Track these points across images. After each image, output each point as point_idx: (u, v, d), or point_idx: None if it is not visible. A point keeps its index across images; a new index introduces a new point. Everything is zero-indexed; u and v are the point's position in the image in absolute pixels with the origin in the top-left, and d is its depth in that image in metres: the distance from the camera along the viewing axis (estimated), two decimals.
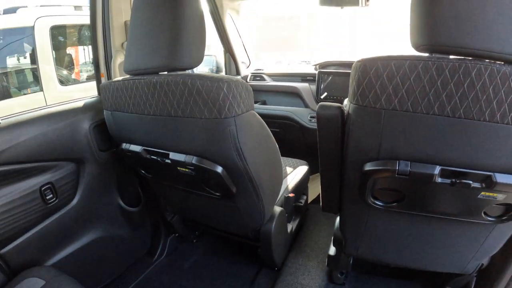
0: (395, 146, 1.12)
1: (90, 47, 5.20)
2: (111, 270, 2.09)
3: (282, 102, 3.02)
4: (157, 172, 1.73)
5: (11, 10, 4.42)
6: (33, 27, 4.31)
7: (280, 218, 1.85)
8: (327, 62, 2.88)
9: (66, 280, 1.44)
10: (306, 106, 2.85)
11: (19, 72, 4.51)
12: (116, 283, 2.09)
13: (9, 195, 1.52)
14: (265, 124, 1.50)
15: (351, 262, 1.87)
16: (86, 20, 4.71)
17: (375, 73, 1.03)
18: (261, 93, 3.18)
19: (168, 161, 1.50)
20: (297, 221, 2.31)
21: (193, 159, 1.42)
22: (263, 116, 2.87)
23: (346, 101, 1.25)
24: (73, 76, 5.00)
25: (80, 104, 1.82)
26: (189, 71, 1.43)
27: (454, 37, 0.98)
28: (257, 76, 3.20)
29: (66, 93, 4.54)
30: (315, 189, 2.75)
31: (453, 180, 1.10)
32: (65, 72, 4.82)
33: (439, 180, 1.11)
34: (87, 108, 1.81)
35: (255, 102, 3.14)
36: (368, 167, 1.18)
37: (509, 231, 1.35)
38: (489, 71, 0.95)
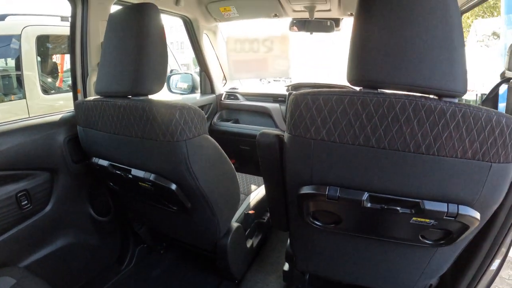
0: (325, 172, 1.20)
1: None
2: (81, 275, 2.15)
3: (254, 121, 3.10)
4: (123, 185, 1.81)
5: (0, 17, 4.46)
6: (20, 35, 4.36)
7: (236, 233, 1.94)
8: (299, 83, 2.98)
9: (36, 281, 1.51)
10: (276, 126, 2.94)
11: (7, 78, 4.57)
12: (84, 287, 2.15)
13: None
14: (219, 147, 1.60)
15: (307, 277, 1.93)
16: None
17: (305, 106, 1.12)
18: (234, 112, 3.28)
19: (130, 176, 1.60)
20: (259, 237, 2.38)
21: (151, 176, 1.52)
22: (235, 134, 3.04)
23: None
24: (57, 84, 5.05)
25: (56, 118, 1.92)
26: (178, 94, 1.54)
27: (382, 72, 1.04)
28: (231, 95, 3.29)
29: (49, 101, 4.61)
30: None
31: (383, 205, 1.15)
32: (49, 80, 4.88)
33: (368, 205, 1.16)
34: (62, 122, 1.91)
35: (228, 120, 3.24)
36: (303, 190, 1.25)
37: (454, 253, 1.37)
38: (413, 105, 1.01)
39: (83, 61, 2.04)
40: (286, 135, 1.24)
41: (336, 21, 2.76)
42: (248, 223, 2.18)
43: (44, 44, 4.73)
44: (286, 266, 1.93)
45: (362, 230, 1.33)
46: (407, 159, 1.07)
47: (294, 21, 2.80)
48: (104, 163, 1.70)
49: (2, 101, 4.46)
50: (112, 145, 1.62)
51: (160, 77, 1.54)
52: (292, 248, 1.71)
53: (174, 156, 1.42)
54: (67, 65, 5.19)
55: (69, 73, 5.20)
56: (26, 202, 1.77)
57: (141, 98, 1.50)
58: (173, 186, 1.53)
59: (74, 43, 2.01)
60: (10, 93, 4.52)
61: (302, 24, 2.77)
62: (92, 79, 2.02)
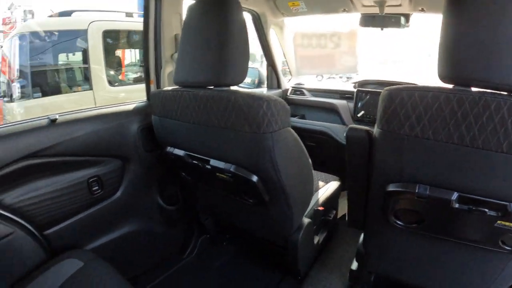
0: (415, 170, 1.17)
1: (135, 50, 5.34)
2: (144, 261, 2.18)
3: (320, 118, 3.05)
4: (197, 175, 1.82)
5: (67, 13, 4.62)
6: (86, 30, 4.48)
7: (307, 229, 1.90)
8: (366, 80, 2.90)
9: (102, 264, 1.54)
10: (343, 123, 2.87)
11: (72, 70, 4.71)
12: (146, 275, 2.17)
13: (60, 183, 1.67)
14: (300, 140, 1.57)
15: (372, 279, 1.90)
16: (136, 27, 4.93)
17: (400, 102, 1.09)
18: (300, 107, 3.23)
19: (209, 167, 1.60)
20: (324, 234, 2.33)
21: (232, 167, 1.51)
22: (301, 130, 3.00)
23: None
24: (119, 77, 5.16)
25: (130, 107, 1.96)
26: (245, 88, 1.53)
27: (476, 70, 1.02)
28: (297, 91, 3.26)
29: (113, 93, 4.71)
30: (345, 205, 2.74)
31: (470, 206, 1.13)
32: (112, 73, 4.97)
33: (456, 205, 1.14)
34: (136, 111, 1.95)
35: (294, 116, 3.20)
36: (391, 188, 1.23)
37: None
38: (508, 105, 0.98)
39: (157, 53, 2.06)
40: (376, 130, 1.21)
41: (407, 17, 2.65)
42: (316, 219, 2.13)
43: (109, 39, 4.84)
44: (354, 265, 1.91)
45: (443, 231, 1.30)
46: (498, 159, 1.04)
47: (364, 16, 2.71)
48: (180, 152, 1.71)
49: (70, 91, 4.60)
50: (190, 135, 1.63)
51: (243, 68, 1.52)
52: (365, 247, 1.68)
53: (258, 148, 1.40)
54: (128, 59, 5.37)
55: (131, 67, 5.39)
56: (97, 187, 1.81)
57: (224, 88, 1.48)
58: (254, 178, 1.50)
59: (147, 35, 2.03)
60: (77, 84, 4.66)
61: (372, 20, 2.68)
62: (166, 70, 2.05)
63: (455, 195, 1.13)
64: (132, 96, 4.50)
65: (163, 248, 2.29)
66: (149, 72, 2.08)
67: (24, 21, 8.27)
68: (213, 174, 1.62)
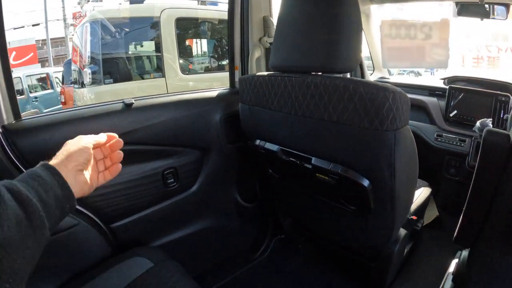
0: None
1: (204, 40, 5.35)
2: (213, 258, 2.08)
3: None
4: (288, 174, 1.67)
5: (139, 1, 4.73)
6: (159, 18, 4.48)
7: (403, 242, 1.74)
8: (456, 76, 2.67)
9: (173, 264, 1.45)
10: (433, 122, 2.60)
11: (143, 57, 4.77)
12: (215, 272, 2.07)
13: (132, 173, 1.57)
14: (414, 140, 1.38)
15: None
16: (209, 15, 4.95)
17: None
18: None
19: (309, 166, 1.44)
20: (410, 245, 2.15)
21: (340, 169, 1.34)
22: None
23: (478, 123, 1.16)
24: (193, 65, 5.20)
25: (213, 94, 1.85)
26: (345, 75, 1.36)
27: None
28: None
29: (185, 81, 4.69)
30: (430, 213, 2.56)
31: None
32: (187, 61, 5.01)
33: None
34: (219, 99, 1.84)
35: None
36: None
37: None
38: None
39: (243, 37, 1.96)
40: None
41: (507, 7, 2.38)
42: (409, 230, 1.93)
43: (182, 26, 4.85)
44: (448, 285, 1.67)
45: None
46: None
47: (463, 5, 2.47)
48: (273, 147, 1.56)
49: (143, 78, 4.65)
50: (287, 128, 1.47)
51: (356, 53, 1.33)
52: (469, 270, 1.46)
53: (377, 148, 1.22)
54: (195, 49, 5.40)
55: (199, 57, 5.39)
56: (172, 180, 1.71)
57: (336, 75, 1.30)
58: (366, 182, 1.31)
59: (232, 19, 1.93)
60: (149, 71, 4.73)
61: (472, 8, 2.44)
62: (255, 55, 1.94)
63: None
64: (201, 86, 4.52)
65: (235, 245, 2.19)
66: (234, 57, 1.97)
67: None
68: (312, 174, 1.46)
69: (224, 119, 1.80)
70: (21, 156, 1.30)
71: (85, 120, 1.45)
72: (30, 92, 9.18)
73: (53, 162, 0.79)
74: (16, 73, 9.07)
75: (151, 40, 4.67)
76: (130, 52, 4.63)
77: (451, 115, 2.48)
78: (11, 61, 12.26)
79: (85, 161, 0.83)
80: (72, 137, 0.88)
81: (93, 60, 4.38)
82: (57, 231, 1.35)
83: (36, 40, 13.61)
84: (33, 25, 14.34)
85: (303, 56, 1.34)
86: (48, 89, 9.80)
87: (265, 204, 2.17)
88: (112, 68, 4.45)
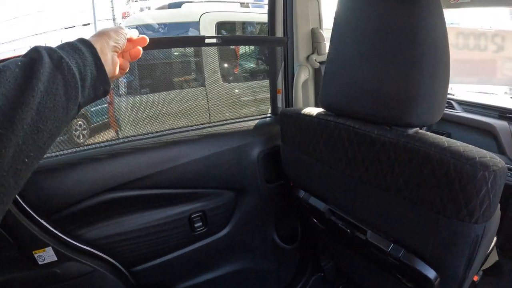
0: None
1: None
2: None
3: (471, 140, 2.43)
4: (335, 233, 1.40)
5: (176, 5, 4.61)
6: (198, 22, 4.36)
7: None
8: None
9: None
10: (502, 152, 2.25)
11: (182, 65, 4.64)
12: None
13: (154, 219, 1.44)
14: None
15: None
16: (253, 17, 4.84)
17: None
18: (446, 124, 2.64)
19: (362, 237, 1.16)
20: None
21: (401, 254, 1.06)
22: None
23: None
24: (234, 70, 5.01)
25: (251, 125, 1.64)
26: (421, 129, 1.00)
27: None
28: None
29: (227, 89, 4.54)
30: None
31: None
32: (227, 66, 4.81)
33: None
34: (258, 131, 1.63)
35: (440, 134, 2.64)
36: None
37: None
38: None
39: (287, 55, 1.68)
40: None
41: None
42: None
43: (223, 31, 4.69)
44: None
45: None
46: None
47: None
48: (319, 205, 1.33)
49: (181, 88, 4.56)
50: (339, 187, 1.19)
51: (443, 98, 0.98)
52: None
53: (458, 242, 0.91)
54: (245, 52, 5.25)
55: (245, 62, 5.27)
56: (200, 224, 1.54)
57: (411, 131, 0.96)
58: (432, 275, 1.03)
59: (273, 31, 1.67)
60: (188, 80, 4.62)
61: None
62: (301, 77, 1.66)
63: None
64: (248, 93, 4.51)
65: (270, 285, 1.97)
66: (275, 78, 1.72)
67: None
68: (364, 246, 1.19)
69: (264, 156, 1.59)
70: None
71: (96, 164, 1.32)
72: None
73: (92, 38, 0.79)
74: None
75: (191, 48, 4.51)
76: (168, 60, 4.51)
77: None
78: None
79: (123, 44, 0.85)
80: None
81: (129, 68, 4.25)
82: (69, 277, 1.30)
83: None
84: (83, 25, 14.84)
85: (366, 97, 1.02)
86: None
87: (306, 245, 1.95)
88: (148, 77, 4.36)
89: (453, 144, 0.88)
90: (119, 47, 0.83)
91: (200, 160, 1.45)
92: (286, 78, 1.69)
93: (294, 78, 1.66)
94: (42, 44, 0.66)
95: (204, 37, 1.40)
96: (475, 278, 1.60)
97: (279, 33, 1.66)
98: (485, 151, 0.86)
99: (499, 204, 0.94)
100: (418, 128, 0.97)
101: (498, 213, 0.98)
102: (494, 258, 2.14)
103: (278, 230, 1.83)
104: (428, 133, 0.94)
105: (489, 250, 1.75)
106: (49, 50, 0.65)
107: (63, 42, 0.73)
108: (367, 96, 1.01)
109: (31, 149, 0.56)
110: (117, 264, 1.39)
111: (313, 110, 1.23)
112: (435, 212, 0.89)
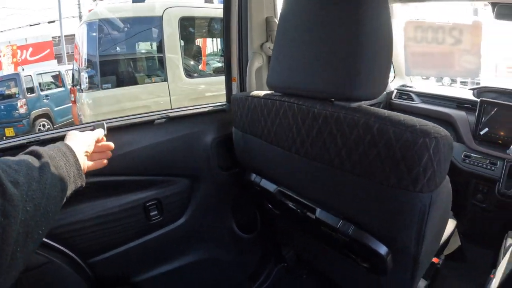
0: None
1: (218, 39, 5.27)
2: None
3: None
4: (289, 216, 1.41)
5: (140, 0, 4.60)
6: (161, 17, 4.34)
7: None
8: (487, 87, 2.44)
9: None
10: (460, 140, 2.32)
11: (145, 60, 4.66)
12: None
13: (108, 207, 1.43)
14: (451, 191, 1.08)
15: None
16: (218, 13, 4.74)
17: None
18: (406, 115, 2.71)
19: (312, 216, 1.17)
20: (425, 283, 1.84)
21: (351, 230, 1.07)
22: None
23: None
24: (200, 67, 5.03)
25: (203, 112, 1.65)
26: (366, 104, 1.02)
27: None
28: (404, 94, 2.76)
29: (190, 85, 4.55)
30: (450, 242, 2.29)
31: None
32: (192, 62, 4.84)
33: None
34: (212, 118, 1.64)
35: None
36: None
37: None
38: None
39: (241, 42, 1.69)
40: None
41: None
42: (429, 273, 1.74)
43: (186, 26, 4.72)
44: None
45: None
46: None
47: (503, 7, 2.17)
48: (270, 187, 1.34)
49: (143, 82, 4.53)
50: (288, 167, 1.21)
51: (385, 75, 1.02)
52: None
53: (405, 212, 0.92)
54: (208, 49, 5.32)
55: (212, 57, 5.28)
56: (155, 212, 1.53)
57: (353, 105, 0.99)
58: (383, 250, 1.04)
59: (228, 19, 1.70)
60: (151, 75, 4.60)
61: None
62: (254, 64, 1.67)
63: None
64: (213, 89, 4.54)
65: (231, 277, 1.97)
66: (230, 66, 1.73)
67: None
68: (316, 225, 1.20)
69: (217, 143, 1.59)
70: None
71: None
72: (42, 90, 9.26)
73: (70, 143, 0.95)
74: (27, 71, 9.46)
75: (153, 41, 4.56)
76: (130, 55, 4.54)
77: (481, 133, 2.22)
78: (28, 57, 12.73)
79: (91, 149, 1.03)
80: None
81: (90, 63, 4.30)
82: (25, 270, 1.20)
83: (52, 37, 13.97)
84: (48, 22, 14.63)
85: (310, 75, 1.03)
86: (61, 87, 9.92)
87: (266, 234, 1.96)
88: (111, 72, 4.35)
89: (394, 114, 0.90)
90: (89, 151, 1.02)
91: (152, 147, 1.44)
92: (241, 66, 1.70)
93: (248, 65, 1.66)
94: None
95: (153, 120, 1.50)
96: (436, 260, 1.72)
97: (234, 21, 1.66)
98: (427, 121, 0.88)
99: (447, 177, 0.96)
100: (361, 103, 0.99)
101: (448, 186, 1.00)
102: (457, 243, 2.19)
103: (237, 219, 1.83)
104: (370, 107, 0.96)
105: (450, 233, 1.80)
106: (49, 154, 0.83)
107: (51, 145, 0.91)
108: (311, 75, 1.03)
109: (42, 224, 0.72)
110: (73, 255, 1.36)
111: (261, 92, 1.25)
112: (379, 183, 0.90)
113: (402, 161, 0.84)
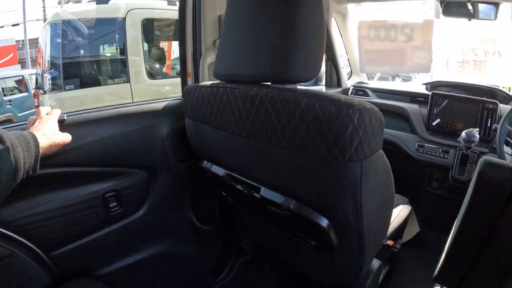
0: None
1: (177, 42, 5.31)
2: (170, 285, 1.91)
3: (386, 124, 2.61)
4: (240, 200, 1.50)
5: (105, 1, 4.59)
6: (124, 19, 4.33)
7: (376, 274, 1.54)
8: (439, 81, 2.55)
9: None
10: (414, 132, 2.46)
11: (108, 62, 4.64)
12: None
13: (69, 198, 1.43)
14: (389, 166, 1.17)
15: None
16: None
17: None
18: None
19: (257, 196, 1.24)
20: (387, 268, 1.99)
21: (292, 204, 1.13)
22: None
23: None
24: (164, 69, 5.02)
25: (159, 106, 1.68)
26: (302, 86, 1.11)
27: None
28: (359, 91, 2.86)
29: (153, 86, 4.55)
30: (410, 229, 2.37)
31: None
32: (157, 65, 4.85)
33: None
34: (167, 111, 1.67)
35: None
36: None
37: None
38: None
39: (195, 38, 1.76)
40: None
41: (497, 6, 2.25)
42: (384, 256, 1.77)
43: (150, 28, 4.73)
44: None
45: None
46: None
47: (448, 4, 2.32)
48: (219, 171, 1.40)
49: (105, 84, 4.52)
50: (233, 150, 1.28)
51: (317, 59, 1.10)
52: None
53: (338, 182, 1.00)
54: (175, 53, 5.24)
55: (173, 59, 5.27)
56: (115, 204, 1.54)
57: (288, 86, 1.08)
58: (324, 222, 1.11)
59: (184, 17, 1.74)
60: (113, 77, 4.58)
61: (459, 8, 2.29)
62: (207, 60, 1.74)
63: None
64: (176, 90, 4.48)
65: (194, 270, 2.00)
66: (186, 62, 1.79)
67: None
68: (263, 204, 1.27)
69: (172, 135, 1.62)
70: None
71: None
72: (4, 95, 9.02)
73: (37, 133, 1.08)
74: None
75: (116, 42, 4.53)
76: (93, 56, 4.51)
77: (433, 123, 2.35)
78: None
79: (52, 131, 1.17)
80: None
81: (53, 65, 4.27)
82: None
83: (16, 41, 13.58)
84: (12, 25, 14.31)
85: (249, 62, 1.13)
86: (24, 91, 9.66)
87: (225, 225, 2.00)
88: (74, 73, 4.33)
89: (322, 92, 0.99)
90: (49, 134, 1.13)
91: (108, 139, 1.47)
92: (195, 62, 1.75)
93: (201, 60, 1.73)
94: None
95: (112, 114, 1.56)
96: (391, 243, 1.75)
97: (189, 20, 1.72)
98: (355, 97, 0.96)
99: (381, 150, 1.05)
100: (296, 85, 1.09)
101: (383, 161, 1.09)
102: (415, 229, 2.26)
103: (196, 211, 1.86)
104: (302, 87, 1.06)
105: (405, 218, 1.95)
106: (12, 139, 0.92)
107: (18, 132, 1.00)
108: (250, 61, 1.11)
109: None
110: (35, 248, 1.36)
111: (209, 82, 1.32)
112: (312, 155, 0.97)
113: (329, 132, 0.91)
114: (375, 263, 1.52)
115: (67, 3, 10.71)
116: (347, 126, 0.89)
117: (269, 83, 1.12)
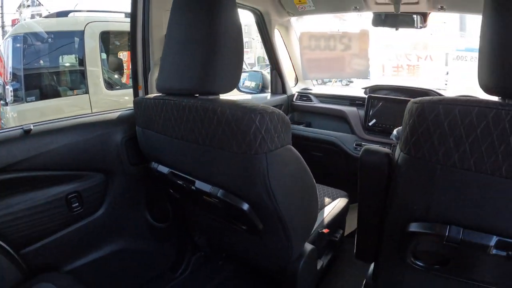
0: (447, 208, 0.96)
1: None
2: (131, 282, 2.01)
3: (328, 126, 2.85)
4: (184, 195, 1.66)
5: (64, 14, 4.59)
6: (83, 32, 4.41)
7: (309, 257, 1.69)
8: (377, 86, 2.72)
9: None
10: (353, 132, 2.67)
11: (67, 73, 4.66)
12: None
13: (36, 199, 1.54)
14: (302, 159, 1.35)
15: None
16: None
17: (435, 119, 0.86)
18: (307, 114, 3.05)
19: (194, 188, 1.41)
20: (329, 257, 2.13)
21: (219, 192, 1.32)
22: (306, 139, 2.83)
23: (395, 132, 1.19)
24: (123, 80, 5.08)
25: (114, 116, 1.80)
26: (226, 95, 1.32)
27: None
28: (303, 96, 3.05)
29: (112, 96, 4.63)
30: (353, 221, 2.54)
31: (510, 252, 0.92)
32: (115, 76, 4.92)
33: (493, 251, 0.92)
34: (120, 120, 1.79)
35: (300, 124, 3.03)
36: (413, 228, 1.03)
37: None
38: None
39: (145, 55, 1.90)
40: (401, 155, 0.99)
41: (424, 16, 2.46)
42: (321, 243, 1.94)
43: (108, 40, 4.78)
44: None
45: (469, 275, 1.11)
46: None
47: (377, 15, 2.54)
48: (164, 170, 1.55)
49: (65, 95, 4.55)
50: (173, 151, 1.46)
51: (235, 74, 1.33)
52: (374, 282, 1.48)
53: (249, 172, 1.20)
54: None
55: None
56: (77, 204, 1.67)
57: (211, 97, 1.30)
58: (245, 206, 1.30)
59: (135, 35, 1.88)
60: (73, 88, 4.60)
61: (386, 19, 2.50)
62: (154, 74, 1.87)
63: (494, 240, 0.91)
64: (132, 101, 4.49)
65: (153, 266, 2.12)
66: (137, 76, 1.92)
67: None
68: (200, 196, 1.44)
69: (126, 141, 1.76)
70: None
71: None
72: None
73: None
74: None
75: (76, 55, 4.58)
76: (54, 67, 4.53)
77: (370, 124, 2.54)
78: None
79: None
80: None
81: (15, 76, 4.29)
82: None
83: None
84: None
85: (182, 78, 1.33)
86: None
87: (178, 222, 2.13)
88: (35, 85, 4.36)
89: (235, 101, 1.23)
90: None
91: (70, 145, 1.60)
92: (145, 76, 1.90)
93: (149, 75, 1.89)
94: None
95: (72, 123, 1.66)
96: (326, 231, 1.89)
97: (139, 37, 1.86)
98: (262, 105, 1.18)
99: (289, 146, 1.24)
100: (218, 96, 1.31)
101: (290, 155, 1.27)
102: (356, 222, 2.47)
103: (150, 210, 1.99)
104: (222, 98, 1.30)
105: (340, 210, 2.12)
106: None
107: None
108: (181, 76, 1.33)
109: None
110: (6, 246, 1.44)
111: (153, 95, 1.51)
112: (228, 151, 1.18)
113: (238, 132, 1.13)
114: (308, 247, 1.68)
115: (28, 7, 10.53)
116: (250, 126, 1.10)
117: (197, 95, 1.32)
